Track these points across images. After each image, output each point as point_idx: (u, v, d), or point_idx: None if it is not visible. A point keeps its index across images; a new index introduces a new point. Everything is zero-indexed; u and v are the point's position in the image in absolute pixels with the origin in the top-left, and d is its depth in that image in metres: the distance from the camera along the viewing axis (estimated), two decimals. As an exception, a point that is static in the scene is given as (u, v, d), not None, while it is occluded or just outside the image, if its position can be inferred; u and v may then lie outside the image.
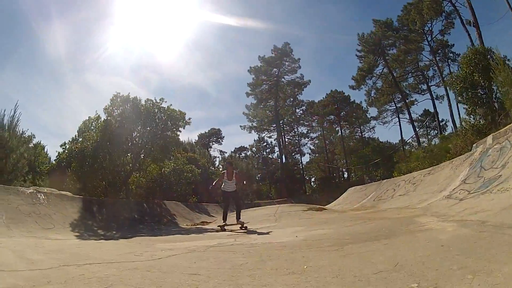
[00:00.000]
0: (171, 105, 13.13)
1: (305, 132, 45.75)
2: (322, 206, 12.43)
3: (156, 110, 12.86)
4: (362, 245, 3.75)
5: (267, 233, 6.30)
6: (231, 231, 7.56)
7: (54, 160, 14.43)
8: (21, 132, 10.14)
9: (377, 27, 34.59)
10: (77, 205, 8.48)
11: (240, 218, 8.18)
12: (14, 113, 9.66)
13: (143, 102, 12.85)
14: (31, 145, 13.54)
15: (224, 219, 8.25)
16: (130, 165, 13.31)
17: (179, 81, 52.53)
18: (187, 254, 4.18)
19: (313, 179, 47.55)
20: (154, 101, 12.98)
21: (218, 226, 8.44)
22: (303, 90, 42.41)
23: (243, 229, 7.53)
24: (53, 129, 46.07)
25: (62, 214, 7.33)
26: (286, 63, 41.12)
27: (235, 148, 47.26)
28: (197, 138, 43.55)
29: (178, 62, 46.68)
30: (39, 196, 7.17)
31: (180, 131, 13.62)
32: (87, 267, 3.38)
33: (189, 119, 13.45)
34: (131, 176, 13.61)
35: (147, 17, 42.44)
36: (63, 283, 2.70)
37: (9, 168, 8.77)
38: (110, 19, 37.72)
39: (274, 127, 43.01)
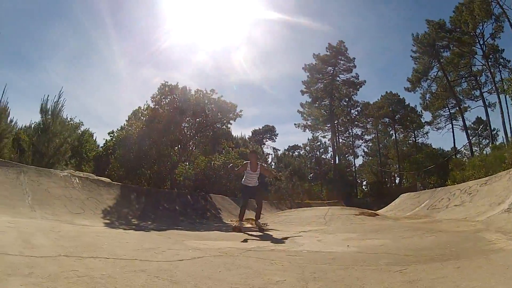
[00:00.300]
0: (221, 96, 12.59)
1: (359, 134, 43.95)
2: (374, 211, 11.19)
3: (206, 101, 12.45)
4: (429, 267, 2.86)
5: (315, 238, 5.38)
6: (247, 232, 6.50)
7: (101, 147, 14.62)
8: (65, 117, 10.16)
9: (430, 27, 32.52)
10: (114, 191, 8.17)
11: (259, 219, 7.18)
12: (58, 98, 9.68)
13: (192, 92, 12.49)
14: (79, 131, 13.80)
15: (241, 218, 7.15)
16: (177, 155, 13.01)
17: (234, 77, 52.35)
18: (216, 258, 3.42)
19: (364, 183, 45.73)
20: (204, 91, 12.50)
21: (233, 226, 7.32)
22: (358, 90, 40.61)
23: (260, 232, 6.47)
24: (107, 120, 48.53)
25: (95, 200, 7.01)
26: (341, 62, 39.48)
27: (289, 146, 46.09)
28: (250, 134, 43.22)
29: (233, 58, 46.49)
30: (73, 180, 6.91)
31: (230, 123, 13.14)
32: (88, 261, 2.80)
33: (241, 111, 12.71)
34: (177, 166, 13.30)
35: (201, 14, 42.70)
36: (44, 277, 2.17)
37: (51, 152, 8.72)
38: (163, 15, 38.54)
39: (328, 127, 41.41)
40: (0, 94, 8.95)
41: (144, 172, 12.47)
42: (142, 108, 13.49)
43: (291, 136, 71.95)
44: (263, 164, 7.63)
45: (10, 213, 4.74)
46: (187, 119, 12.59)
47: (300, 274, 2.73)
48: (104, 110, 50.31)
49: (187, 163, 14.42)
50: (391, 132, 42.28)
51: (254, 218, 7.33)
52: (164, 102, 12.42)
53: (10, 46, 35.65)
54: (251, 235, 6.06)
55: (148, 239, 4.71)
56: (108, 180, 8.89)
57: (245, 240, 5.04)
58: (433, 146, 36.76)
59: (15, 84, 35.42)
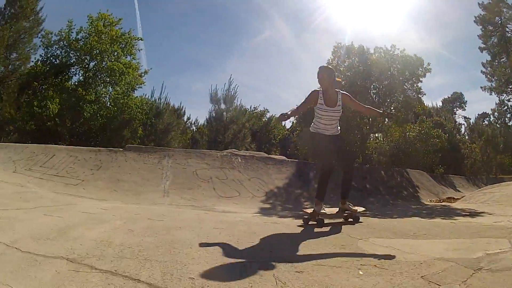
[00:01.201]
0: (404, 49, 10.98)
1: (538, 96, 33.86)
2: None
3: (388, 59, 11.12)
4: None
5: None
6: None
7: (288, 129, 14.53)
8: (239, 104, 10.21)
9: None
10: (288, 170, 7.00)
11: (347, 197, 3.66)
12: (229, 86, 9.98)
13: (371, 51, 11.44)
14: (264, 119, 14.23)
15: (321, 195, 3.48)
16: (367, 127, 11.76)
17: (410, 46, 45.24)
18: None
19: (534, 154, 34.32)
20: (384, 48, 11.23)
21: (305, 213, 3.71)
22: (528, 41, 30.74)
23: (350, 220, 3.58)
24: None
25: (259, 180, 6.02)
26: (504, 10, 30.87)
27: (478, 114, 39.93)
28: (441, 104, 39.41)
29: (403, 27, 40.12)
30: (233, 159, 6.17)
31: (421, 81, 11.22)
32: (83, 277, 1.51)
33: (428, 64, 10.80)
34: (368, 139, 12.00)
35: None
36: None
37: (227, 139, 8.62)
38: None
39: (511, 88, 32.99)
40: (159, 91, 9.52)
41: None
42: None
43: (478, 103, 59.65)
44: (347, 94, 3.66)
45: (131, 199, 4.28)
46: (373, 84, 11.43)
47: None
48: (290, 97, 53.18)
49: (379, 136, 13.23)
50: (558, 92, 31.42)
51: (343, 199, 3.66)
52: (343, 67, 11.62)
53: (203, 58, 42.84)
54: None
55: (284, 236, 2.93)
56: (282, 157, 7.90)
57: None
58: None
59: (201, 89, 42.71)
